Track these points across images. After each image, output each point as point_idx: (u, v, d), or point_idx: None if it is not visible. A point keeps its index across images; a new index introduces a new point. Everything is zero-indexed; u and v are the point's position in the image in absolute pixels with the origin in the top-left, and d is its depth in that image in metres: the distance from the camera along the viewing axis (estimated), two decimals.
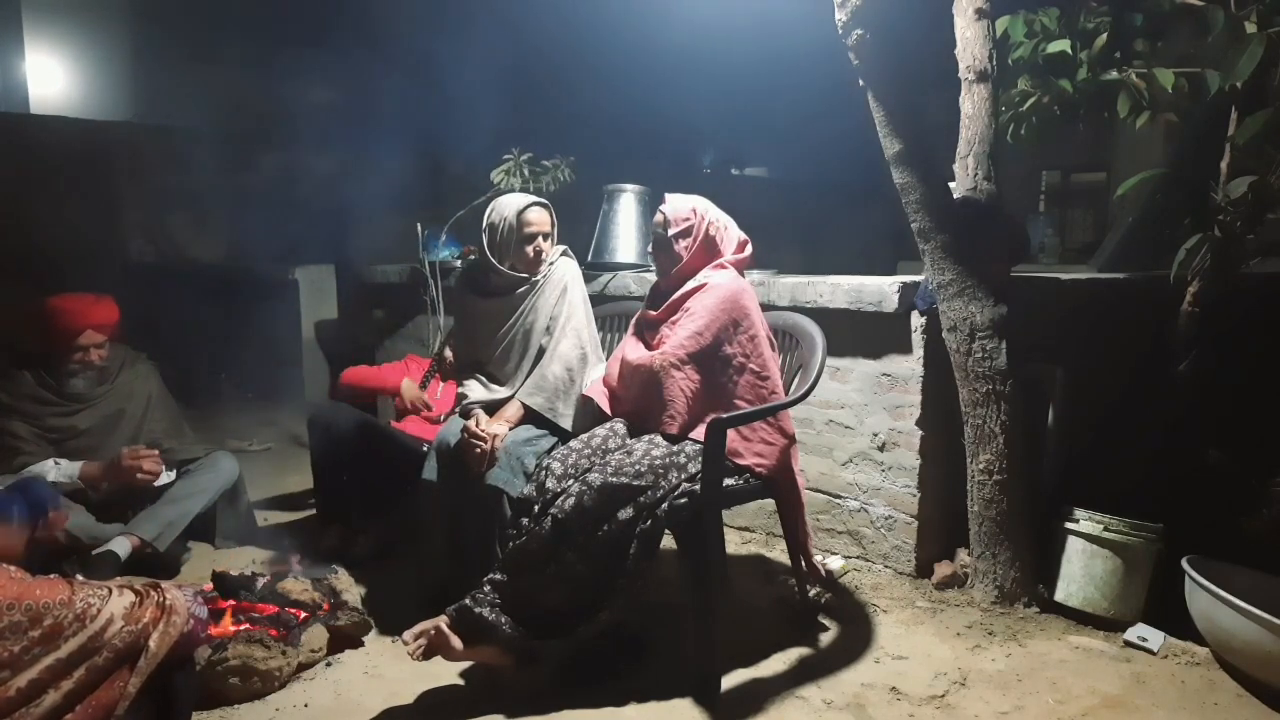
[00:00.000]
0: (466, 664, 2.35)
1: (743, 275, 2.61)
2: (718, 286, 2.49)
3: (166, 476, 3.17)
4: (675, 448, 2.39)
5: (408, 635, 2.20)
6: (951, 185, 2.88)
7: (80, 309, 3.11)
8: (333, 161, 8.11)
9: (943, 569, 3.01)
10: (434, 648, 2.18)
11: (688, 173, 11.50)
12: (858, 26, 2.62)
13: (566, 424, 2.72)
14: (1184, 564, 2.52)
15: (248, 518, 3.48)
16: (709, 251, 2.57)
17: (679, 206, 2.59)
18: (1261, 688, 2.32)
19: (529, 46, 9.11)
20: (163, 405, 3.41)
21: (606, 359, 2.86)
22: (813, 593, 2.89)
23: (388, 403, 3.74)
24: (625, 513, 2.23)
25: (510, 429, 2.66)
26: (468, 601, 2.21)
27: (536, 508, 2.32)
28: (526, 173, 4.23)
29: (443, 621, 2.20)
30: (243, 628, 2.41)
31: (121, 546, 2.95)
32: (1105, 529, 2.74)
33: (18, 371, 3.09)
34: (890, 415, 3.11)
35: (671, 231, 2.56)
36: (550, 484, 2.34)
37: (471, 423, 2.63)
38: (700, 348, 2.43)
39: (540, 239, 2.80)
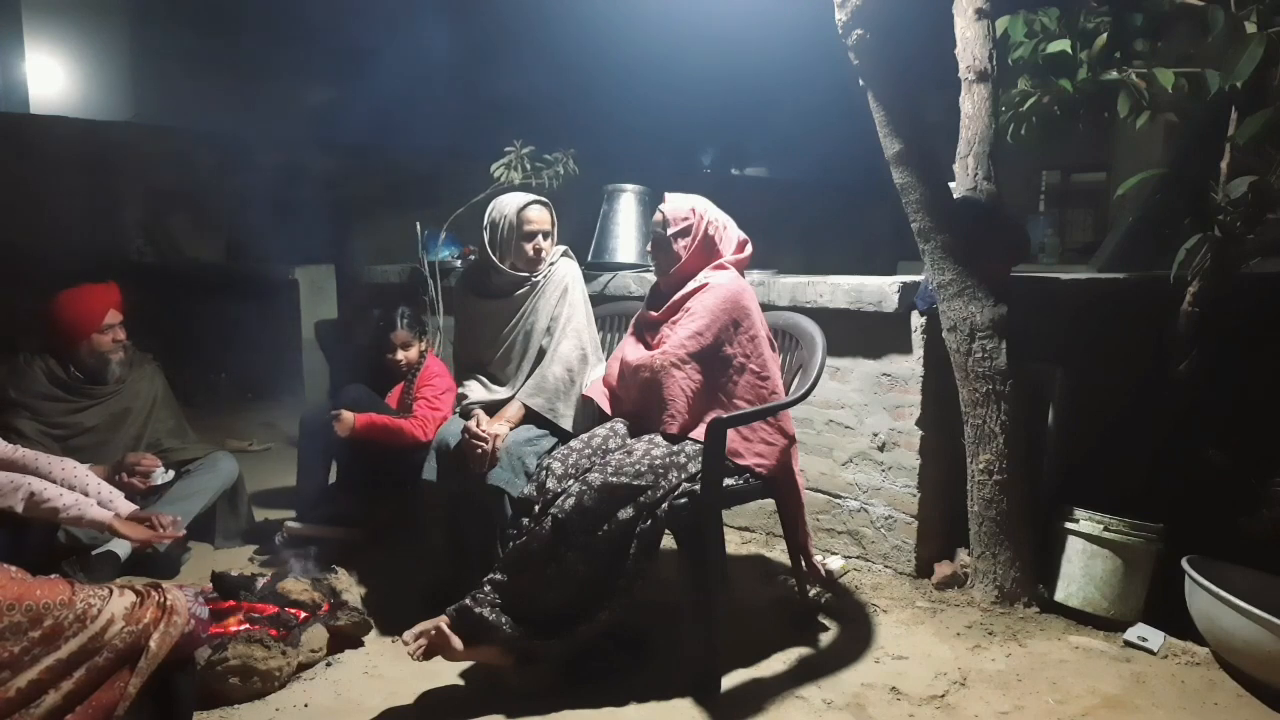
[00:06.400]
0: (467, 664, 2.35)
1: (743, 275, 2.61)
2: (718, 287, 2.49)
3: (166, 476, 3.17)
4: (675, 448, 2.39)
5: (408, 635, 2.20)
6: (951, 185, 2.88)
7: (97, 292, 3.19)
8: (333, 161, 8.11)
9: (943, 569, 3.01)
10: (434, 648, 2.18)
11: (688, 172, 11.51)
12: (858, 26, 2.62)
13: (567, 424, 2.72)
14: (1184, 564, 2.52)
15: (248, 518, 3.48)
16: (708, 251, 2.57)
17: (678, 206, 2.59)
18: (1261, 688, 2.32)
19: (530, 47, 9.10)
20: (167, 406, 3.42)
21: (606, 359, 2.86)
22: (813, 593, 2.89)
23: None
24: (625, 512, 2.23)
25: (511, 429, 2.66)
26: (468, 601, 2.21)
27: (537, 508, 2.32)
28: (528, 166, 4.21)
29: (443, 621, 2.20)
30: (243, 628, 2.41)
31: (121, 547, 2.94)
32: (1105, 529, 2.74)
33: (28, 368, 3.09)
34: (890, 415, 3.11)
35: (670, 230, 2.56)
36: (551, 484, 2.34)
37: (472, 423, 2.63)
38: (701, 347, 2.43)
39: (540, 237, 2.80)
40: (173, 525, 2.75)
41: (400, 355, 3.43)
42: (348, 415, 3.15)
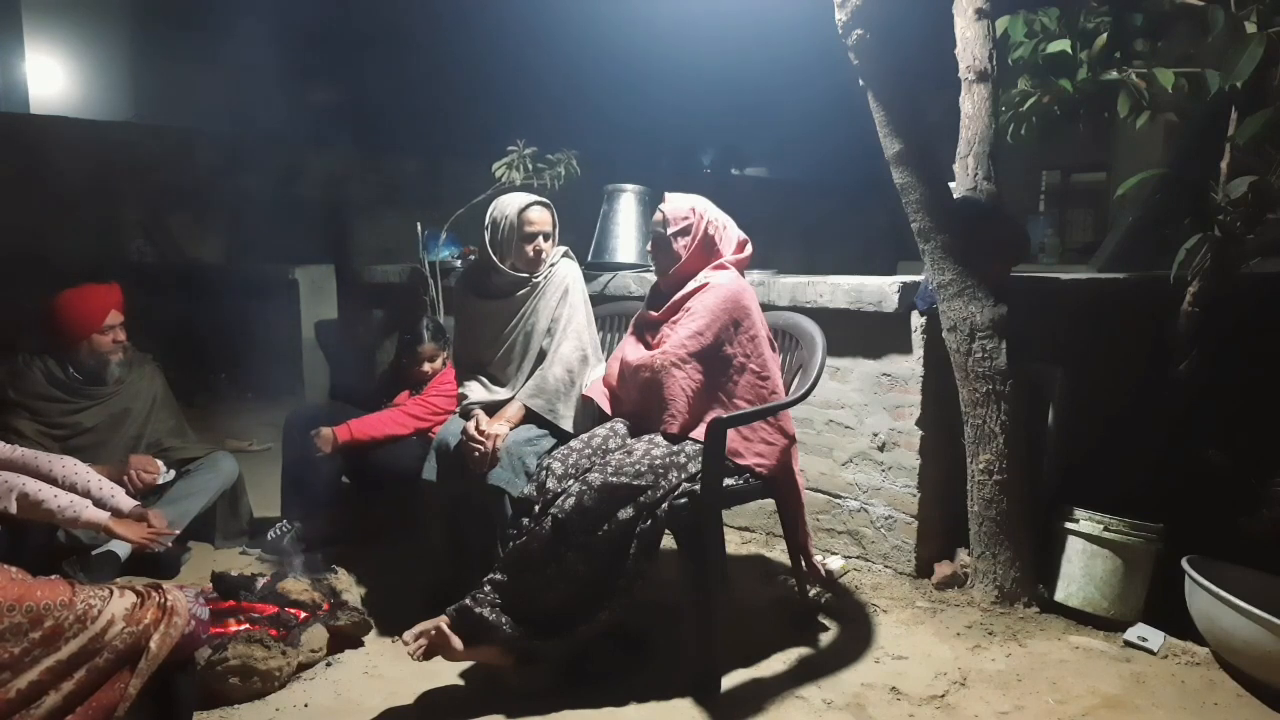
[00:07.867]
0: (467, 664, 2.35)
1: (743, 275, 2.61)
2: (719, 286, 2.49)
3: (167, 476, 3.17)
4: (675, 447, 2.38)
5: (408, 635, 2.20)
6: (951, 185, 2.88)
7: (99, 292, 3.19)
8: (333, 161, 8.10)
9: (943, 569, 3.01)
10: (434, 648, 2.18)
11: (688, 172, 11.51)
12: (858, 26, 2.62)
13: (567, 425, 2.72)
14: (1184, 564, 2.52)
15: (248, 518, 3.48)
16: (708, 251, 2.57)
17: (678, 205, 2.59)
18: (1261, 688, 2.32)
19: (530, 48, 9.10)
20: (167, 406, 3.42)
21: (606, 359, 2.86)
22: (813, 593, 2.89)
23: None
24: (625, 512, 2.23)
25: (511, 429, 2.66)
26: (468, 601, 2.21)
27: (537, 508, 2.32)
28: (530, 167, 4.21)
29: (443, 621, 2.20)
30: (243, 628, 2.41)
31: (122, 547, 2.94)
32: (1105, 529, 2.74)
33: (27, 369, 3.09)
34: (890, 415, 3.11)
35: (670, 230, 2.56)
36: (551, 484, 2.34)
37: (471, 424, 2.63)
38: (701, 347, 2.43)
39: (541, 238, 2.80)
40: (168, 526, 2.76)
41: (428, 367, 3.46)
42: (327, 431, 3.17)
